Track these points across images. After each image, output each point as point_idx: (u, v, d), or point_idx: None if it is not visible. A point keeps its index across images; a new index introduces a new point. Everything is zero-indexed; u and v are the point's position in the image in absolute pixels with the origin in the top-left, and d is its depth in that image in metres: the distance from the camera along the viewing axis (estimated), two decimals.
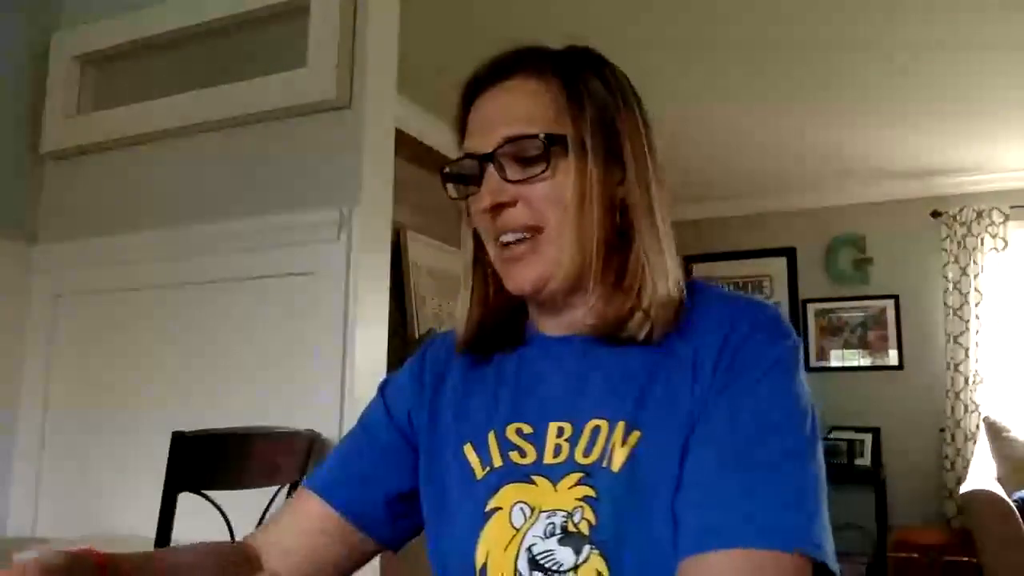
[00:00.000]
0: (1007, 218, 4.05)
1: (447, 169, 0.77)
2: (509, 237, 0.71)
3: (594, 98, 0.72)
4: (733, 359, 0.65)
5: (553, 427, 0.70)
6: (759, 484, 0.60)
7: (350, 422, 1.45)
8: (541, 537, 0.65)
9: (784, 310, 4.53)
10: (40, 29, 1.91)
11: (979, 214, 4.07)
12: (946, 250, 4.15)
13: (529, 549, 0.65)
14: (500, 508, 0.68)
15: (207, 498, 1.20)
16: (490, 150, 0.71)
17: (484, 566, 0.67)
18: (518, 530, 0.67)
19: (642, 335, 0.69)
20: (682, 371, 0.67)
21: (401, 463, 0.79)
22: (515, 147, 0.70)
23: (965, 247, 4.08)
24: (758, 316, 0.68)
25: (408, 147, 2.90)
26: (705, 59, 2.86)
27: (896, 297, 4.31)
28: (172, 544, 1.14)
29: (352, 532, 0.78)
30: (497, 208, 0.71)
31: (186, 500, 1.15)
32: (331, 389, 1.47)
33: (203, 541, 0.78)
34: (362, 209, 1.53)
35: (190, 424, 1.20)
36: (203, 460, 1.19)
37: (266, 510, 1.34)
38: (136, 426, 1.65)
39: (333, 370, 1.48)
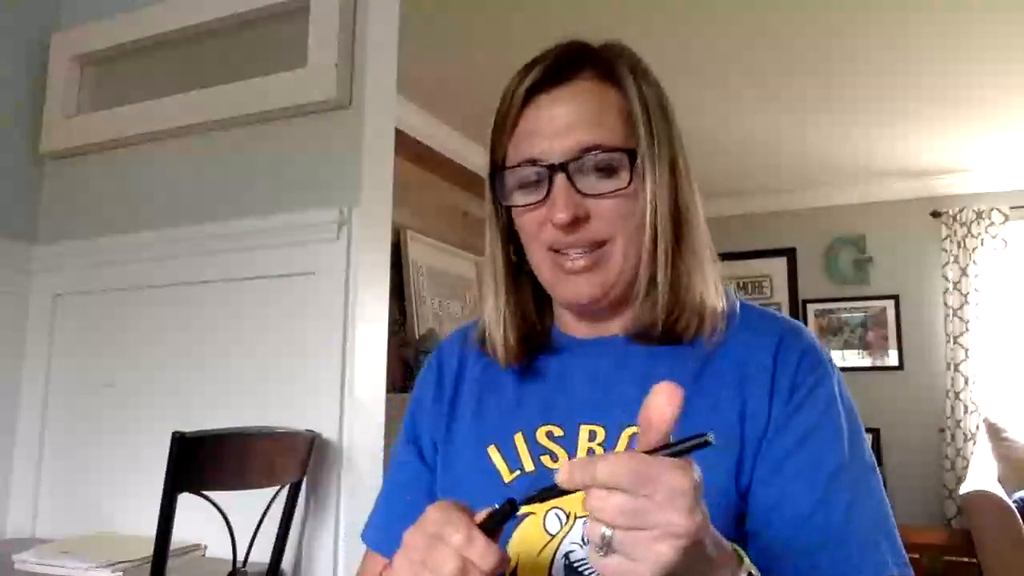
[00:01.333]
0: (1007, 218, 4.05)
1: (508, 174, 0.71)
2: (575, 251, 0.68)
3: (652, 108, 0.70)
4: (792, 391, 0.66)
5: (584, 430, 0.68)
6: (851, 526, 0.62)
7: (350, 422, 1.46)
8: (580, 544, 0.64)
9: (784, 310, 4.55)
10: (40, 29, 1.91)
11: (979, 214, 4.07)
12: (946, 250, 4.15)
13: (567, 556, 0.64)
14: (532, 513, 0.67)
15: (207, 498, 1.20)
16: (565, 159, 0.67)
17: (515, 570, 0.66)
18: (553, 536, 0.65)
19: (687, 337, 0.68)
20: (725, 383, 0.67)
21: None
22: (593, 159, 0.67)
23: (965, 247, 4.08)
24: (802, 340, 0.69)
25: (408, 147, 2.90)
26: (705, 59, 2.86)
27: (896, 297, 4.31)
28: (172, 543, 1.14)
29: None
30: (573, 223, 0.67)
31: (186, 500, 1.15)
32: (331, 389, 1.47)
33: None
34: (362, 209, 1.53)
35: (190, 424, 1.20)
36: (203, 460, 1.19)
37: (266, 510, 1.34)
38: (136, 426, 1.65)
39: (333, 370, 1.48)
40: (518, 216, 0.72)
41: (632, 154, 0.68)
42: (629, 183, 0.67)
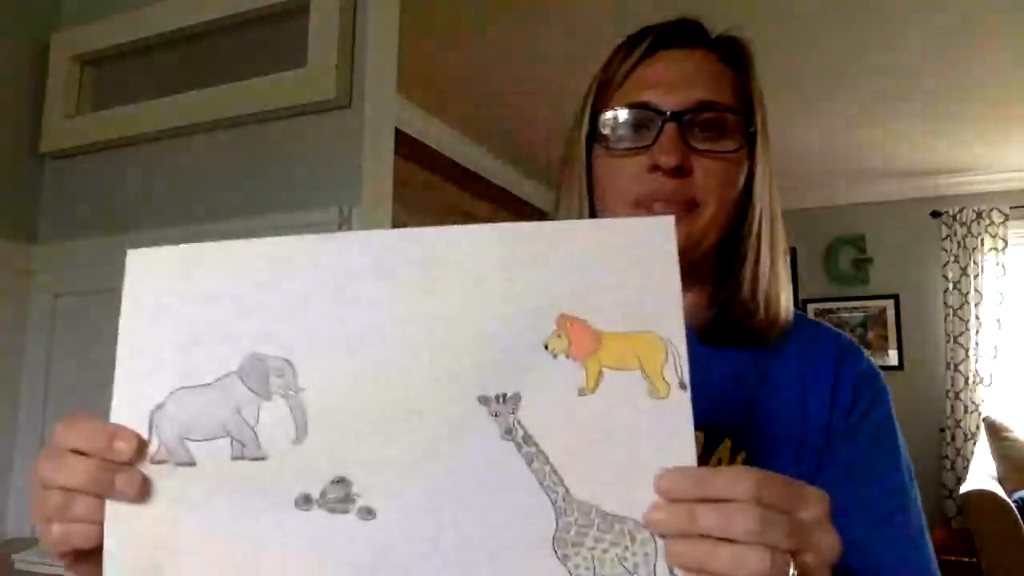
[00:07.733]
0: (1007, 218, 4.05)
1: (614, 116, 0.69)
2: (662, 205, 0.66)
3: (760, 101, 0.71)
4: (855, 404, 0.68)
5: None
6: (910, 542, 0.64)
7: None
8: None
9: None
10: (40, 29, 1.91)
11: (979, 214, 4.07)
12: (946, 250, 4.15)
13: None
14: None
15: None
16: (680, 109, 0.66)
17: None
18: None
19: (756, 338, 0.68)
20: (787, 391, 0.67)
21: None
22: (710, 115, 0.66)
23: (965, 247, 4.09)
24: (861, 357, 0.71)
25: (408, 147, 2.90)
26: None
27: (896, 297, 4.31)
28: None
29: None
30: (674, 171, 0.65)
31: None
32: None
33: None
34: (362, 208, 1.53)
35: None
36: None
37: None
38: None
39: None
40: (610, 162, 0.70)
41: (748, 121, 0.68)
42: (739, 148, 0.67)
